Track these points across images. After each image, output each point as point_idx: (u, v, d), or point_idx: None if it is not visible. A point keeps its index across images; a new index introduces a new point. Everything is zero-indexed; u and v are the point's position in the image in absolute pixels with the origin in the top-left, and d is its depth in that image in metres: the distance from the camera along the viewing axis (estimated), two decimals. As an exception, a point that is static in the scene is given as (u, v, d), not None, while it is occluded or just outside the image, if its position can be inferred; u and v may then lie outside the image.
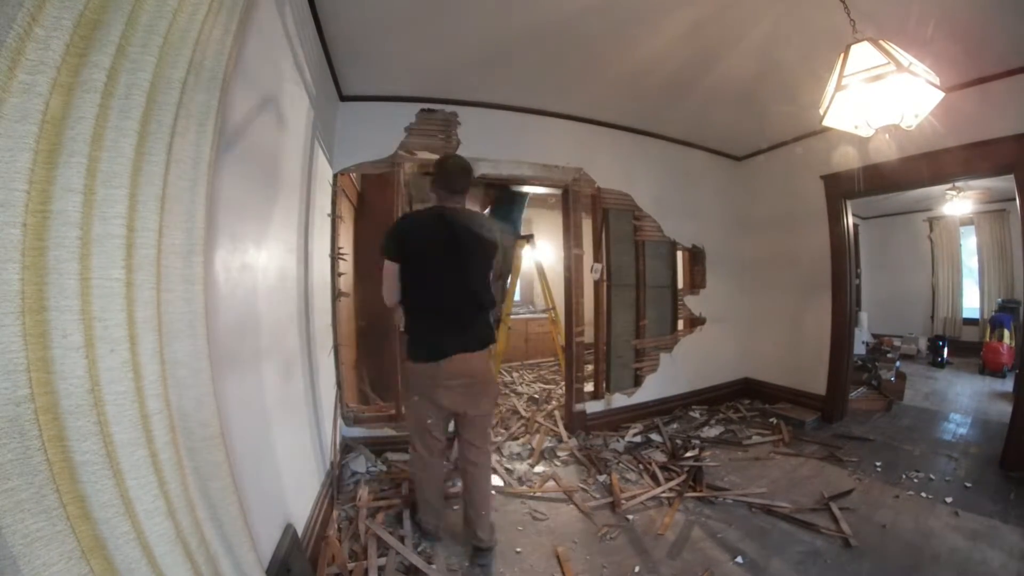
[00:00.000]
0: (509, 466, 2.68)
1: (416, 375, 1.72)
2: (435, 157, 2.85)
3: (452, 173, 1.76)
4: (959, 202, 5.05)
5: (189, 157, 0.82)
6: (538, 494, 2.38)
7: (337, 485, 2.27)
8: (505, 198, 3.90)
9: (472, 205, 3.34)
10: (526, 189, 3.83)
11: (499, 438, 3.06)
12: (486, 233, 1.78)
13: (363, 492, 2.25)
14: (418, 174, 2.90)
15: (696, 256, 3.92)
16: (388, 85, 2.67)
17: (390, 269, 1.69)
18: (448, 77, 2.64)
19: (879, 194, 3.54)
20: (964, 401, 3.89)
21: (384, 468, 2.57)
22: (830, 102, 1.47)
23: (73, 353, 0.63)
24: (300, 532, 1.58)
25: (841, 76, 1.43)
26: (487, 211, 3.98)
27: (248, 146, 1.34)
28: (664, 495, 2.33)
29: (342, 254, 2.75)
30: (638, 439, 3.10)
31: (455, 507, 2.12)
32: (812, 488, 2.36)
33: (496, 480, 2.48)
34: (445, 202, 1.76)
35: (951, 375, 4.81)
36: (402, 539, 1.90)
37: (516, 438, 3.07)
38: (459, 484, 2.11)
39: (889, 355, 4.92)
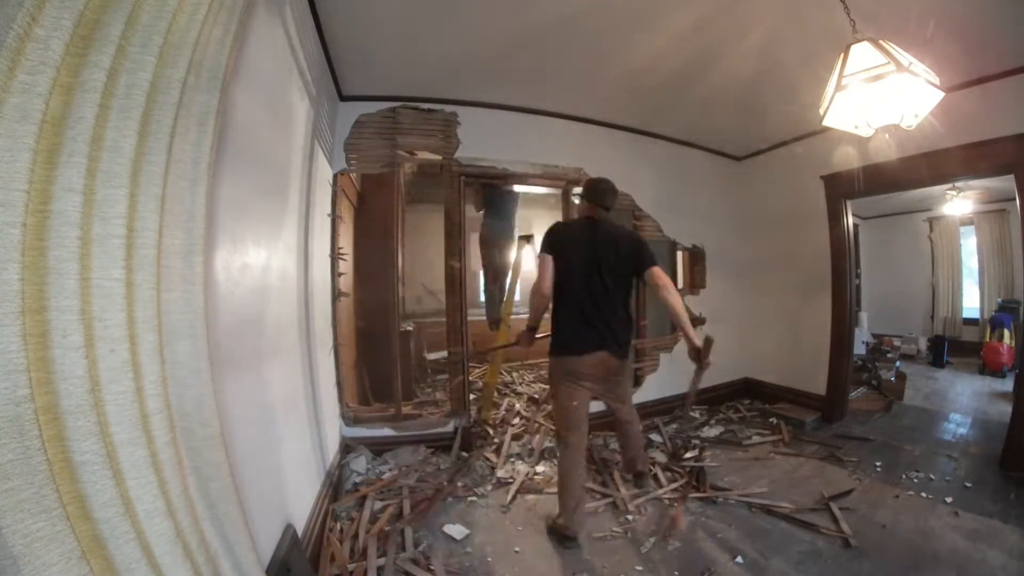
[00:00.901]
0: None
1: (559, 366, 1.97)
2: (436, 157, 2.89)
3: (603, 192, 2.06)
4: (959, 202, 5.05)
5: (189, 157, 0.82)
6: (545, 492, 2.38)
7: (337, 485, 2.27)
8: (496, 197, 3.87)
9: (468, 204, 3.33)
10: (525, 189, 3.82)
11: (498, 439, 3.06)
12: (624, 243, 1.99)
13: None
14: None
15: (696, 256, 3.92)
16: (388, 85, 2.67)
17: (545, 261, 1.95)
18: (448, 77, 2.64)
19: (879, 194, 3.54)
20: (964, 401, 3.89)
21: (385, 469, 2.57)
22: (830, 102, 1.47)
23: (73, 353, 0.63)
24: (300, 532, 1.58)
25: (841, 76, 1.44)
26: (480, 212, 3.95)
27: (248, 146, 1.34)
28: (664, 496, 2.33)
29: (342, 254, 2.75)
30: (638, 439, 3.10)
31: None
32: (812, 488, 2.36)
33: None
34: (593, 215, 2.04)
35: (951, 375, 4.81)
36: (401, 545, 1.89)
37: (517, 438, 3.07)
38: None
39: (889, 355, 4.91)
